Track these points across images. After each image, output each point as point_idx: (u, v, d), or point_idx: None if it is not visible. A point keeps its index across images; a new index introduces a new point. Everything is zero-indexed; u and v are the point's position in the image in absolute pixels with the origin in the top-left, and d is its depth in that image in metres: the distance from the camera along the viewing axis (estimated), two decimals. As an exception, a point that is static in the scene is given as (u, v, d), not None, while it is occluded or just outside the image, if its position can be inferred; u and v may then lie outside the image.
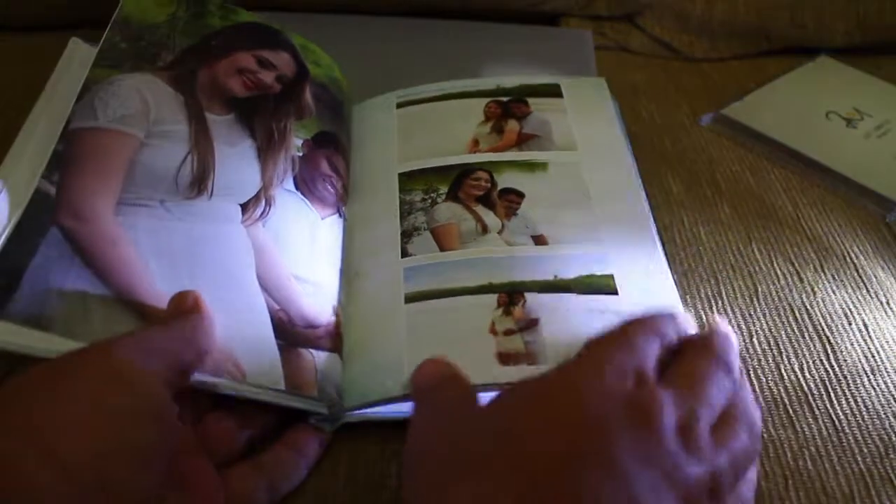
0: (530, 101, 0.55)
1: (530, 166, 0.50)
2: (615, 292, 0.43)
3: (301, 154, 0.48)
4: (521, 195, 0.48)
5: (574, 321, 0.42)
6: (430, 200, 0.48)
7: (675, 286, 0.45)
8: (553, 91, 0.56)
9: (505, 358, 0.40)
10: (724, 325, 0.38)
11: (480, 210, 0.47)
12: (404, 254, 0.45)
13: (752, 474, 0.34)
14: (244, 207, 0.43)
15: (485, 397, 0.33)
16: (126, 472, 0.28)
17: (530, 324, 0.41)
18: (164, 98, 0.43)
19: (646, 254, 0.45)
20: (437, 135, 0.53)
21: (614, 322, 0.34)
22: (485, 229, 0.46)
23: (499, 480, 0.28)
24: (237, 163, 0.44)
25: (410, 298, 0.43)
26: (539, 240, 0.45)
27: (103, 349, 0.31)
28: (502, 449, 0.29)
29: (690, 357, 0.35)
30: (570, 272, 0.44)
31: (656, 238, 0.47)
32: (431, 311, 0.42)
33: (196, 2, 0.50)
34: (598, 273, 0.44)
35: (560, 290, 0.43)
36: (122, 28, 0.46)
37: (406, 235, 0.46)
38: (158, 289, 0.36)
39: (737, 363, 0.35)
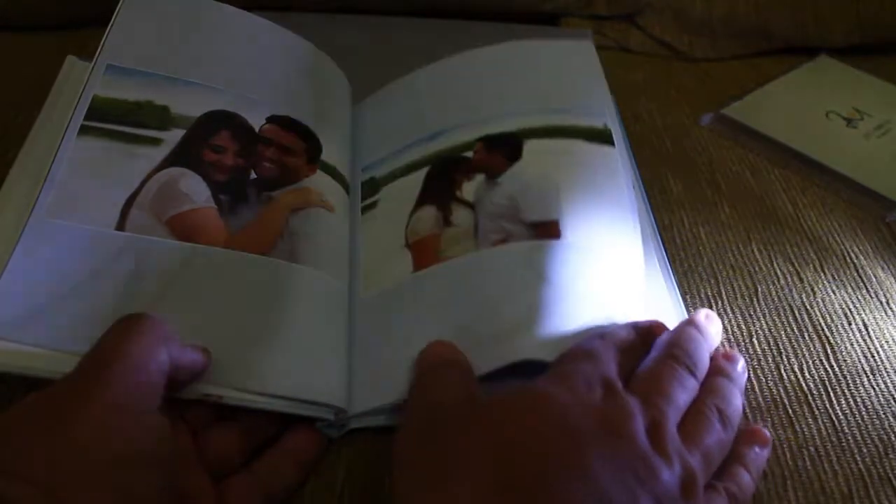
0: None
1: None
2: None
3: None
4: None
5: None
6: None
7: (674, 287, 0.45)
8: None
9: None
10: (691, 323, 0.39)
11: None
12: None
13: (759, 461, 0.36)
14: None
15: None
16: None
17: None
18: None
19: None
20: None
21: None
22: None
23: (481, 485, 0.29)
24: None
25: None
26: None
27: (91, 386, 0.29)
28: (486, 455, 0.30)
29: (654, 361, 0.37)
30: None
31: (653, 236, 0.47)
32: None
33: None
34: None
35: None
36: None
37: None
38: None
39: (703, 359, 0.37)
